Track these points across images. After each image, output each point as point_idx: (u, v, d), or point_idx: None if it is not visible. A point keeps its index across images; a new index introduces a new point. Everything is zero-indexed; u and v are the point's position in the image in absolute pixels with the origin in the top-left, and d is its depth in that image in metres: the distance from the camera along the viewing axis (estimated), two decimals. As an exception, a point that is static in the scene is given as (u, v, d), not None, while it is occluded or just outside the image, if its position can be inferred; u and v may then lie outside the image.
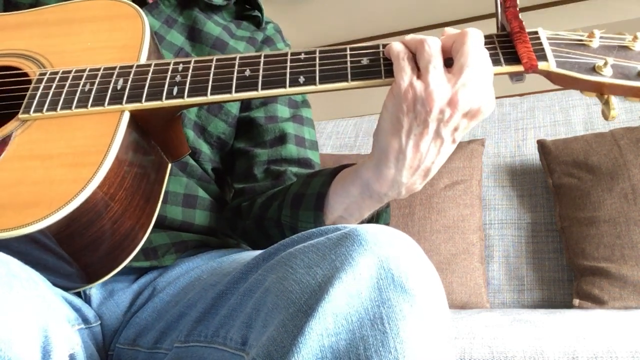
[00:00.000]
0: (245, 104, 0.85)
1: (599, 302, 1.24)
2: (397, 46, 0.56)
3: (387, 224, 0.67)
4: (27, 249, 0.53)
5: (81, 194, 0.52)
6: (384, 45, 0.57)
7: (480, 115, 0.53)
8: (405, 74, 0.53)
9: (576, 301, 1.27)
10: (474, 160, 1.54)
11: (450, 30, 0.56)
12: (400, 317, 0.42)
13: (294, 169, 0.79)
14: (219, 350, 0.55)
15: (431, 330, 0.44)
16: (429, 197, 1.51)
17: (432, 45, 0.53)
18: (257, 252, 0.59)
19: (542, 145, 1.49)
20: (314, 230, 0.53)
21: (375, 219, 0.66)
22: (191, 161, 0.78)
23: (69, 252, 0.55)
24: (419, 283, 0.45)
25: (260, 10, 0.91)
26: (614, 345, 0.83)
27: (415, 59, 0.54)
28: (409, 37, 0.56)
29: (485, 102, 0.53)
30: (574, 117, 1.59)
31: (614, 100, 0.55)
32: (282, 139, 0.82)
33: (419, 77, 0.53)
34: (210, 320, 0.58)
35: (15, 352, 0.42)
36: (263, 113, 0.84)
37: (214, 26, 0.84)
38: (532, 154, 1.56)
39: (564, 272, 1.39)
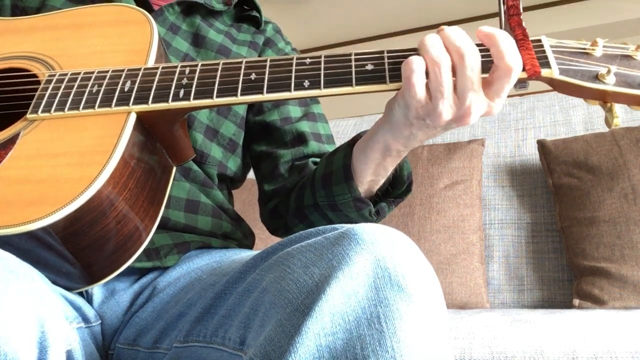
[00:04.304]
0: (257, 108, 0.87)
1: (599, 302, 1.23)
2: (413, 64, 0.54)
3: (410, 172, 0.71)
4: (30, 247, 0.53)
5: (86, 192, 0.52)
6: (389, 52, 0.58)
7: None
8: (413, 98, 0.54)
9: (576, 301, 1.27)
10: (474, 160, 1.54)
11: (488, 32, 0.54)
12: (397, 316, 0.42)
13: (316, 160, 0.83)
14: (218, 350, 0.55)
15: (428, 329, 0.44)
16: (429, 197, 1.51)
17: (444, 74, 0.53)
18: (256, 252, 0.59)
19: (542, 145, 1.48)
20: (311, 230, 0.54)
21: (398, 171, 0.70)
22: (194, 167, 0.79)
23: (72, 251, 0.55)
24: (416, 282, 0.45)
25: (259, 10, 0.93)
26: (614, 345, 0.83)
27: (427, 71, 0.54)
28: (430, 49, 0.54)
29: (495, 108, 0.56)
30: (574, 117, 1.59)
31: (617, 108, 0.55)
32: (301, 138, 0.85)
33: (428, 93, 0.54)
34: (209, 320, 0.58)
35: (11, 348, 0.42)
36: (277, 115, 0.86)
37: (216, 34, 0.86)
38: (532, 154, 1.56)
39: (564, 272, 1.39)
